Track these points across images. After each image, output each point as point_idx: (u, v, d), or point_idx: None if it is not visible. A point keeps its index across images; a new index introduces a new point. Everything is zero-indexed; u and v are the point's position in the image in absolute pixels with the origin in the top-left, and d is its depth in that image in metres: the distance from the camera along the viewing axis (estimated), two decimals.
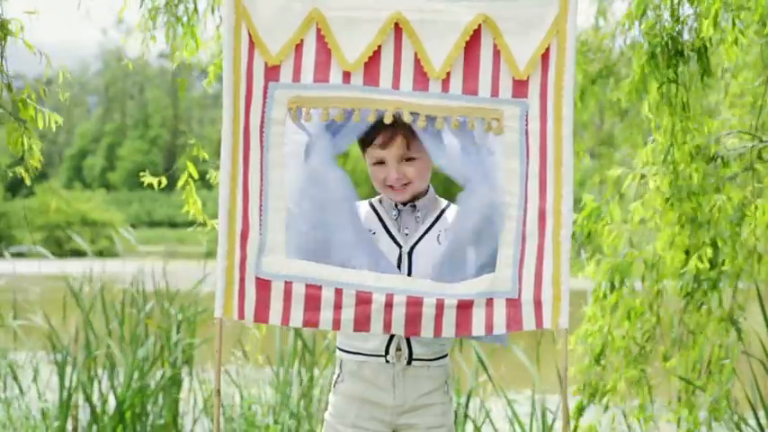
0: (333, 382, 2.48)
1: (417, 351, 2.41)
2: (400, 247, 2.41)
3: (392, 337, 2.39)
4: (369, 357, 2.41)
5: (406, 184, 2.40)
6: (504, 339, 2.43)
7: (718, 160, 3.53)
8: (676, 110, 3.37)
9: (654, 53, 3.33)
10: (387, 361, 2.40)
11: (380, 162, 2.40)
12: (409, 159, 2.39)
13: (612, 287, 3.75)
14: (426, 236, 2.42)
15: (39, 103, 2.74)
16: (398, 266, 2.38)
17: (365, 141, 2.40)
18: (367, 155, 2.42)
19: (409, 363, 2.40)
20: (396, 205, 2.44)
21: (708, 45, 3.30)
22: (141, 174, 3.65)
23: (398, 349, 2.40)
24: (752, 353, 4.06)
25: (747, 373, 4.15)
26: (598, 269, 3.78)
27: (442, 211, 2.47)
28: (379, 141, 2.37)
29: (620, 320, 3.74)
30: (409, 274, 2.37)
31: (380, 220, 2.45)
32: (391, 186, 2.41)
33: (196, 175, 3.67)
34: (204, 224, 3.78)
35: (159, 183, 3.67)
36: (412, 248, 2.41)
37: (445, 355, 2.47)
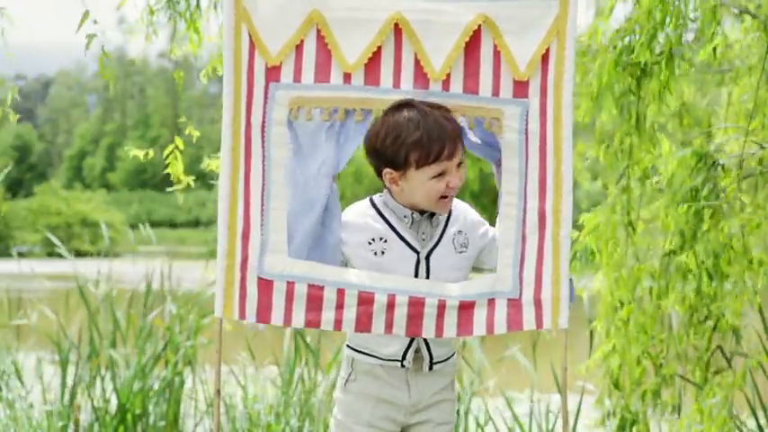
0: (343, 381, 2.40)
1: (437, 354, 2.36)
2: (417, 252, 2.31)
3: (411, 342, 2.32)
4: (384, 361, 2.35)
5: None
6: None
7: (718, 168, 3.48)
8: (630, 126, 3.26)
9: (618, 61, 3.18)
10: (403, 366, 2.34)
11: (441, 174, 2.25)
12: (459, 164, 2.29)
13: (622, 302, 3.70)
14: (443, 239, 2.34)
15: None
16: (416, 272, 2.31)
17: (434, 156, 2.23)
18: (423, 171, 2.24)
19: (431, 368, 2.36)
20: (412, 213, 2.31)
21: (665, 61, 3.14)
22: (127, 148, 3.63)
23: (417, 351, 2.33)
24: (750, 354, 4.06)
25: (746, 374, 4.15)
26: (605, 284, 3.72)
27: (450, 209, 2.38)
28: (446, 153, 2.24)
29: (634, 339, 3.66)
30: (427, 278, 2.31)
31: (390, 226, 2.32)
32: (445, 197, 2.29)
33: (182, 146, 3.62)
34: (180, 182, 3.71)
35: (146, 154, 3.64)
36: (429, 253, 2.32)
37: (455, 352, 2.45)
